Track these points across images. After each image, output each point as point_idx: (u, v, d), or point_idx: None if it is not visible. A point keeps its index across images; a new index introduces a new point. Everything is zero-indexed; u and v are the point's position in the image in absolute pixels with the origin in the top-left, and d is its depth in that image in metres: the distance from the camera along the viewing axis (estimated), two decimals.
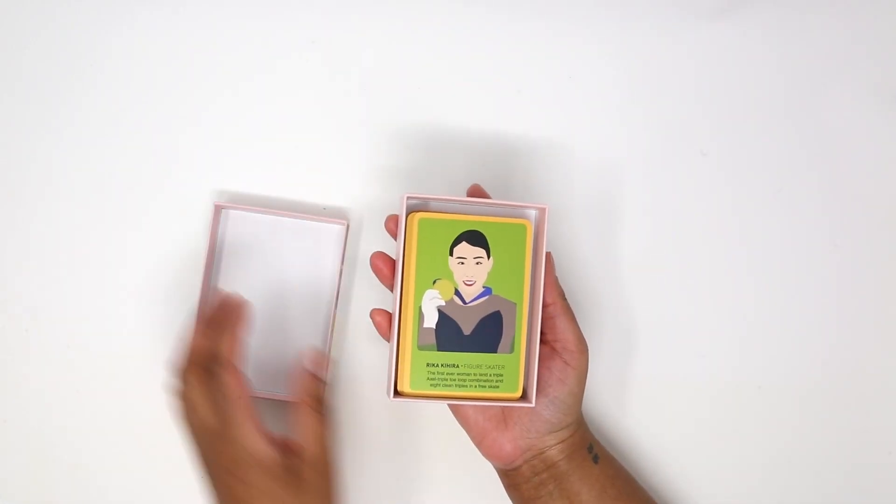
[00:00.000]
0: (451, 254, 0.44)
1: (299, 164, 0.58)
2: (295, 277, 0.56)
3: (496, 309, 0.46)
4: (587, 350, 0.48)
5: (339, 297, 0.56)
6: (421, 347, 0.45)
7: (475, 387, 0.46)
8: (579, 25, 0.60)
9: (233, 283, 0.56)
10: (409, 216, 0.45)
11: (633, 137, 0.59)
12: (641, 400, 0.57)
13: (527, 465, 0.49)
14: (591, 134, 0.59)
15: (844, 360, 0.59)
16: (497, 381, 0.46)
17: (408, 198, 0.45)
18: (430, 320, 0.45)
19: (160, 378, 0.56)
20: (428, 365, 0.45)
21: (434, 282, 0.45)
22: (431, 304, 0.45)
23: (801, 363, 0.58)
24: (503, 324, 0.46)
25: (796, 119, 0.60)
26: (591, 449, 0.50)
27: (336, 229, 0.57)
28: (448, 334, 0.45)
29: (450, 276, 0.45)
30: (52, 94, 0.58)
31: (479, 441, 0.49)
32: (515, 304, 0.46)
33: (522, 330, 0.46)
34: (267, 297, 0.56)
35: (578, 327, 0.48)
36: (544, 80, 0.59)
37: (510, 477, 0.50)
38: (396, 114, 0.59)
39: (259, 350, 0.56)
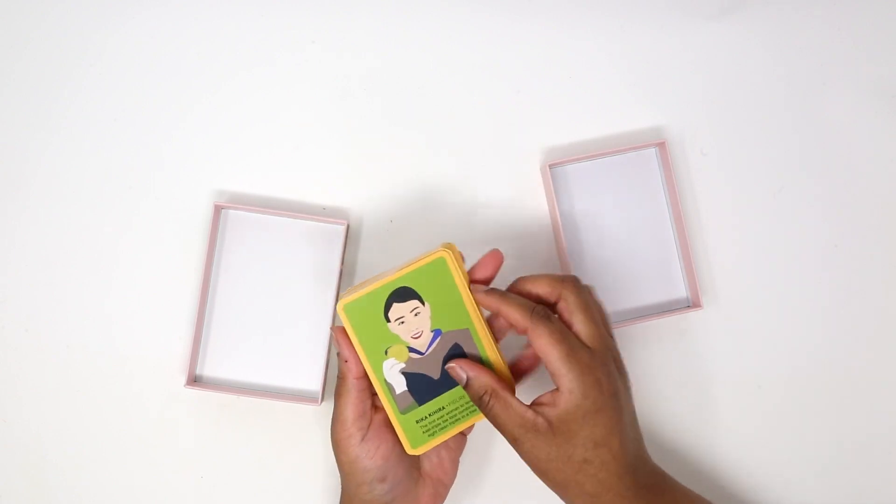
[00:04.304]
0: (388, 320, 0.45)
1: (299, 164, 0.58)
2: (295, 277, 0.56)
3: (453, 342, 0.46)
4: (585, 392, 0.42)
5: (338, 296, 0.56)
6: (404, 412, 0.46)
7: (468, 414, 0.47)
8: (579, 25, 0.60)
9: (233, 283, 0.56)
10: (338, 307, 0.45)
11: (633, 137, 0.59)
12: (642, 401, 0.57)
13: None
14: (590, 134, 0.59)
15: (844, 360, 0.59)
16: None
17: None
18: (400, 386, 0.46)
19: (160, 378, 0.56)
20: (417, 422, 0.46)
21: (386, 351, 0.45)
22: (393, 372, 0.45)
23: (802, 363, 0.58)
24: (465, 352, 0.46)
25: (796, 119, 0.60)
26: None
27: (336, 229, 0.57)
28: (421, 387, 0.46)
29: (397, 339, 0.45)
30: (52, 95, 0.58)
31: None
32: (467, 328, 0.46)
33: (486, 345, 0.46)
34: (267, 297, 0.56)
35: (570, 350, 0.42)
36: (544, 79, 0.59)
37: None
38: (396, 114, 0.59)
39: (259, 350, 0.56)
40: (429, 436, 0.47)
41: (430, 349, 0.46)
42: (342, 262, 0.55)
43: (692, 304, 0.57)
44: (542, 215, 0.58)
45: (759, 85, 0.60)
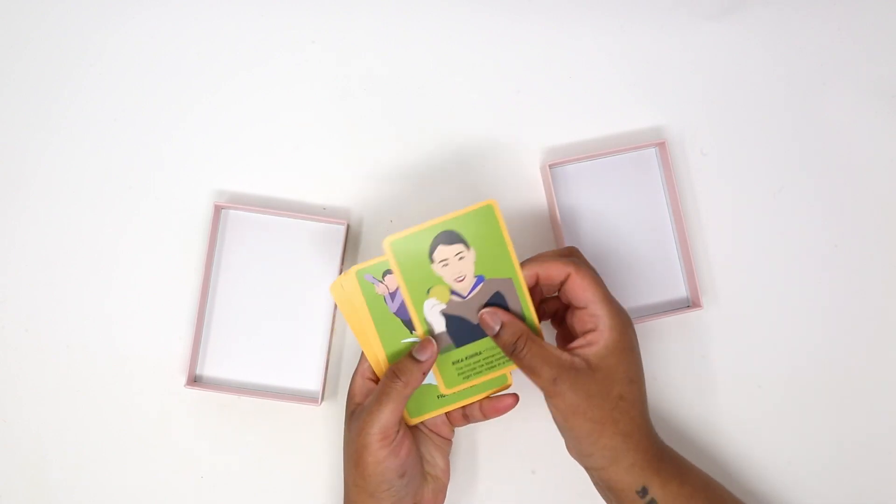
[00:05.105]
0: (432, 261, 0.45)
1: (299, 164, 0.58)
2: (295, 277, 0.56)
3: (495, 290, 0.46)
4: (619, 347, 0.45)
5: None
6: (442, 352, 0.47)
7: (503, 363, 0.48)
8: (579, 25, 0.60)
9: (233, 283, 0.56)
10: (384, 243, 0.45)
11: (633, 137, 0.59)
12: None
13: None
14: (590, 134, 0.59)
15: (844, 360, 0.59)
16: None
17: None
18: (439, 326, 0.46)
19: (160, 378, 0.56)
20: (454, 363, 0.47)
21: (428, 291, 0.45)
22: (434, 312, 0.46)
23: (802, 363, 0.58)
24: (507, 300, 0.46)
25: (796, 119, 0.60)
26: (643, 493, 0.45)
27: (336, 229, 0.57)
28: (460, 330, 0.47)
29: (440, 280, 0.46)
30: (52, 95, 0.58)
31: None
32: (510, 278, 0.46)
33: (527, 298, 0.47)
34: (267, 297, 0.56)
35: (606, 291, 0.45)
36: (544, 79, 0.59)
37: None
38: (396, 113, 0.59)
39: (259, 350, 0.56)
40: (463, 378, 0.47)
41: (472, 294, 0.46)
42: (342, 262, 0.55)
43: (692, 304, 0.57)
44: (542, 215, 0.58)
45: (759, 85, 0.60)
